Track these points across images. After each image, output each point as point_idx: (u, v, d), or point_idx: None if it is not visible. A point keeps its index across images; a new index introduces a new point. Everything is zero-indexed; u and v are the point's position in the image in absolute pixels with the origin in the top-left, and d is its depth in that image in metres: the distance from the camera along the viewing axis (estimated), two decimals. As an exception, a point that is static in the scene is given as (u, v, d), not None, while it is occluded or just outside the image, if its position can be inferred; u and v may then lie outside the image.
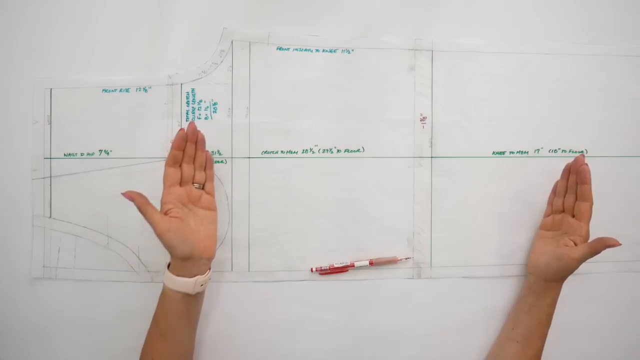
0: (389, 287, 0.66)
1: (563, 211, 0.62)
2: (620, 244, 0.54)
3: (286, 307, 0.65)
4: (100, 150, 0.65)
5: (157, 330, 0.57)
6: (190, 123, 0.59)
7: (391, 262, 0.65)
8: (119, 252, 0.65)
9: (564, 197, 0.62)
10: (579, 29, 0.68)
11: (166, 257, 0.64)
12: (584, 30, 0.68)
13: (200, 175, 0.60)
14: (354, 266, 0.65)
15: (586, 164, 0.59)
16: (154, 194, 0.64)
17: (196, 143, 0.59)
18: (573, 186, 0.61)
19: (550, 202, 0.65)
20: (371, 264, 0.65)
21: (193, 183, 0.59)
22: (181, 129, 0.59)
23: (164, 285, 0.57)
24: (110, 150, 0.65)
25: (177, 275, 0.56)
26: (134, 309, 0.64)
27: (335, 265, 0.65)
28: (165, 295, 0.57)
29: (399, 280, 0.66)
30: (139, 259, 0.65)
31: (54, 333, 0.64)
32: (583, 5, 0.68)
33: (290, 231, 0.65)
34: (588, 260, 0.66)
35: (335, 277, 0.65)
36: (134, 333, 0.63)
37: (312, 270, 0.65)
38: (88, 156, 0.64)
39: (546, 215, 0.65)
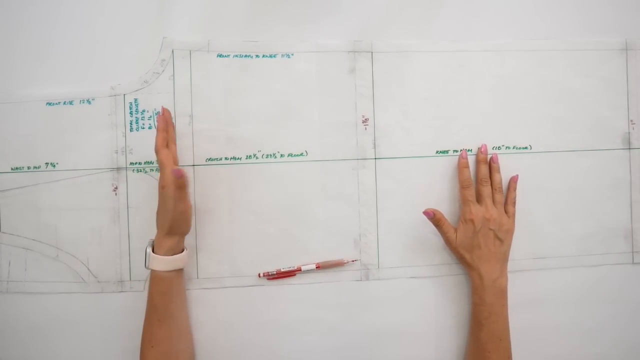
0: (336, 290, 0.66)
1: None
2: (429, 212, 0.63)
3: (234, 311, 0.65)
4: (47, 163, 0.65)
5: (155, 316, 0.59)
6: (162, 107, 0.63)
7: (338, 264, 0.65)
8: (69, 264, 0.65)
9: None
10: (516, 25, 0.67)
11: (115, 268, 0.65)
12: (523, 26, 0.67)
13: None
14: (301, 270, 0.65)
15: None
16: (101, 204, 0.65)
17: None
18: None
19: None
20: (318, 267, 0.65)
21: None
22: (159, 114, 0.62)
23: (154, 273, 0.59)
24: (57, 163, 0.65)
25: (172, 255, 0.59)
26: (85, 320, 0.65)
27: (283, 270, 0.65)
28: (160, 279, 0.59)
29: (346, 283, 0.66)
30: (89, 269, 0.65)
31: (7, 346, 0.65)
32: (518, 0, 0.67)
33: (237, 237, 0.65)
34: (535, 257, 0.67)
35: (283, 281, 0.65)
36: (87, 342, 0.65)
37: (259, 276, 0.65)
38: (35, 169, 0.65)
39: None
